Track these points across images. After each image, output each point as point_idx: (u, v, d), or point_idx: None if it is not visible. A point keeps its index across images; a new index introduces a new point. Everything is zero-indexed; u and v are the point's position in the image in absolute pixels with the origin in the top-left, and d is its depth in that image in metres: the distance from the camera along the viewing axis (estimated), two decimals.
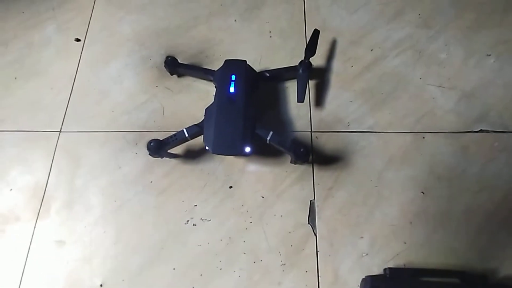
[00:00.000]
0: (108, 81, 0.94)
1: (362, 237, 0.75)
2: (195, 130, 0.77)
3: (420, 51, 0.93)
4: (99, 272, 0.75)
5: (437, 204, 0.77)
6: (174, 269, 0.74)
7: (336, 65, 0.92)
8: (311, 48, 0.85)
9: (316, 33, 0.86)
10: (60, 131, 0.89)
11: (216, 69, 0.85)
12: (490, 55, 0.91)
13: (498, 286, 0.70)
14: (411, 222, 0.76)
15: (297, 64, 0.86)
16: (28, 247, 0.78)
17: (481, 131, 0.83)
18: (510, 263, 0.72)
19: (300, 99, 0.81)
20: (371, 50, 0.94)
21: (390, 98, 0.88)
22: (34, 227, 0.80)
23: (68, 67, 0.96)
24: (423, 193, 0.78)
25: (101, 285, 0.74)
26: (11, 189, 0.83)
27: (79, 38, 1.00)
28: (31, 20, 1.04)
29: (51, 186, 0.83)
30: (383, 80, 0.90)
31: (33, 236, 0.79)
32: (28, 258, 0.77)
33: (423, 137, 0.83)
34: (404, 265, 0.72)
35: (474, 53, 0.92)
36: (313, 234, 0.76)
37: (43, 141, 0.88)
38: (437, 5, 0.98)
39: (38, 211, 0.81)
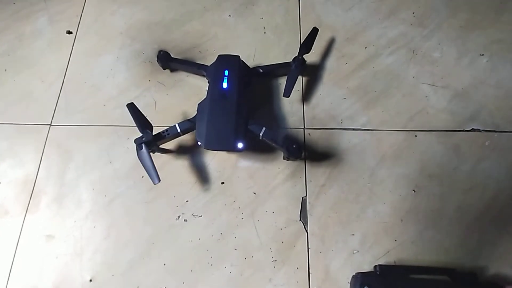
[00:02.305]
0: (100, 74, 0.93)
1: (353, 234, 0.75)
2: (188, 125, 0.77)
3: (414, 49, 0.93)
4: (89, 267, 0.74)
5: (428, 202, 0.77)
6: (164, 264, 0.74)
7: (330, 62, 0.92)
8: (307, 45, 0.85)
9: (314, 31, 0.86)
10: (50, 125, 0.88)
11: (209, 64, 0.84)
12: (483, 54, 0.92)
13: (487, 284, 0.71)
14: (402, 220, 0.76)
15: (290, 60, 0.85)
16: (17, 242, 0.77)
17: (472, 130, 0.84)
18: (499, 262, 0.72)
19: (287, 94, 0.81)
20: (365, 47, 0.94)
21: (383, 96, 0.88)
22: (23, 221, 0.79)
23: (59, 60, 0.95)
24: (414, 191, 0.78)
25: (90, 280, 0.73)
26: (0, 183, 0.82)
27: (70, 30, 0.99)
28: (22, 11, 1.02)
29: (41, 180, 0.82)
30: (377, 78, 0.90)
31: (22, 230, 0.78)
32: (17, 253, 0.76)
33: (415, 136, 0.83)
34: (395, 262, 0.73)
35: (467, 53, 0.92)
36: (305, 231, 0.76)
37: (33, 134, 0.87)
38: (431, 4, 0.99)
39: (27, 205, 0.80)
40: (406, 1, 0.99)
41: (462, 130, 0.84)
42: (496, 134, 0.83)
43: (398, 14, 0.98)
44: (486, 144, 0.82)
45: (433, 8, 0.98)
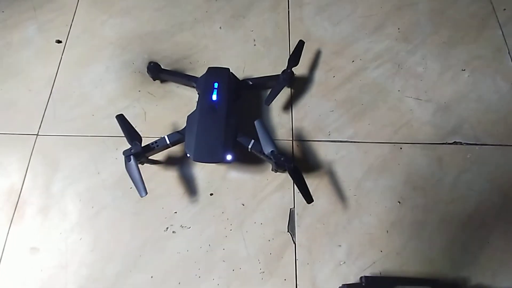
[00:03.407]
0: (89, 84, 0.93)
1: (340, 246, 0.76)
2: (177, 137, 0.77)
3: (399, 64, 0.96)
4: (74, 280, 0.73)
5: (413, 213, 0.79)
6: (152, 277, 0.73)
7: (319, 74, 0.94)
8: (294, 58, 0.87)
9: (300, 44, 0.88)
10: (37, 134, 0.87)
11: (199, 76, 0.85)
12: (464, 70, 0.95)
13: None
14: (387, 231, 0.78)
15: (280, 73, 0.87)
16: (1, 254, 0.75)
17: (455, 143, 0.86)
18: (481, 272, 0.74)
19: (267, 102, 0.84)
20: (353, 61, 0.96)
21: (370, 109, 0.90)
22: (8, 233, 0.77)
23: (47, 69, 0.94)
24: (399, 202, 0.80)
25: None
26: None
27: (60, 39, 0.98)
28: (11, 20, 1.02)
29: (26, 190, 0.81)
30: (364, 91, 0.92)
31: (6, 242, 0.76)
32: (0, 265, 0.74)
33: (400, 148, 0.86)
34: (380, 273, 0.74)
35: (449, 68, 0.95)
36: (292, 242, 0.76)
37: (20, 144, 0.86)
38: (416, 20, 1.02)
39: (12, 216, 0.78)
40: (392, 17, 1.02)
41: (445, 143, 0.86)
42: (477, 147, 0.86)
43: (384, 29, 1.01)
44: (468, 156, 0.85)
45: (417, 24, 1.01)
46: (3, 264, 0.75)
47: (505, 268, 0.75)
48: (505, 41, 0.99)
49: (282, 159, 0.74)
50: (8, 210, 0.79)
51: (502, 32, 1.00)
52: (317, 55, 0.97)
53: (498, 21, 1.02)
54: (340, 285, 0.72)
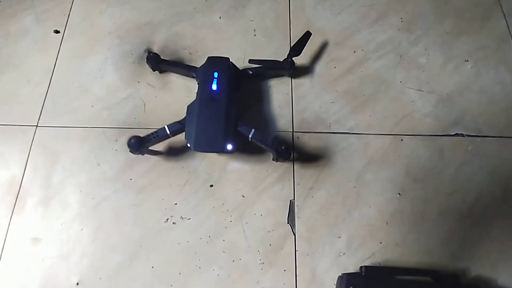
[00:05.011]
0: (88, 75, 0.92)
1: (339, 237, 0.76)
2: (177, 127, 0.76)
3: (401, 54, 0.94)
4: (76, 270, 0.74)
5: (413, 205, 0.79)
6: (152, 267, 0.74)
7: (320, 65, 0.93)
8: (297, 48, 0.86)
9: (307, 34, 0.87)
10: (37, 126, 0.86)
11: (199, 66, 0.84)
12: (467, 60, 0.94)
13: (469, 286, 0.73)
14: (387, 223, 0.78)
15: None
16: (2, 244, 0.76)
17: (456, 134, 0.86)
18: (480, 264, 0.74)
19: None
20: (354, 52, 0.95)
21: (371, 100, 0.89)
22: (9, 224, 0.77)
23: (46, 60, 0.94)
24: (399, 194, 0.80)
25: (77, 283, 0.73)
26: None
27: (58, 29, 0.97)
28: (8, 10, 1.00)
29: (26, 182, 0.81)
30: (365, 82, 0.91)
31: (8, 233, 0.77)
32: (2, 256, 0.75)
33: (401, 140, 0.85)
34: (380, 264, 0.74)
35: (452, 59, 0.94)
36: (292, 233, 0.77)
37: (19, 136, 0.85)
38: (419, 10, 1.00)
39: (13, 207, 0.79)
40: (395, 7, 1.01)
41: (446, 135, 0.86)
42: (478, 139, 0.85)
43: (386, 19, 0.99)
44: (469, 148, 0.84)
45: (420, 14, 1.00)
46: (5, 255, 0.75)
47: (505, 260, 0.75)
48: (510, 31, 0.97)
49: (283, 147, 0.74)
50: (9, 201, 0.79)
51: (507, 22, 0.99)
52: (318, 45, 0.96)
53: (503, 10, 1.00)
54: (340, 274, 0.72)
